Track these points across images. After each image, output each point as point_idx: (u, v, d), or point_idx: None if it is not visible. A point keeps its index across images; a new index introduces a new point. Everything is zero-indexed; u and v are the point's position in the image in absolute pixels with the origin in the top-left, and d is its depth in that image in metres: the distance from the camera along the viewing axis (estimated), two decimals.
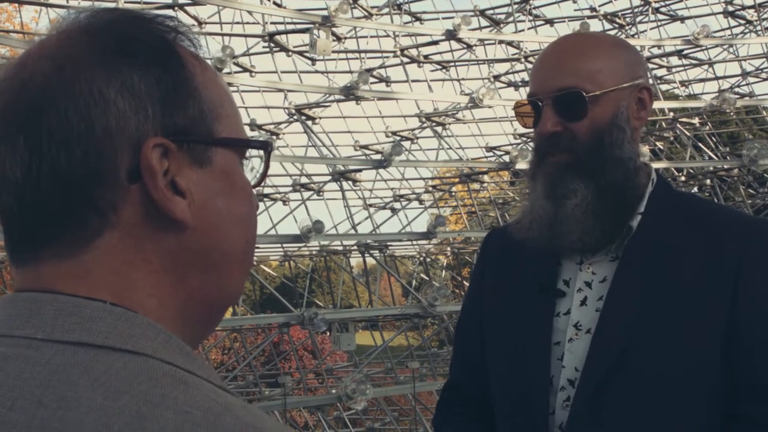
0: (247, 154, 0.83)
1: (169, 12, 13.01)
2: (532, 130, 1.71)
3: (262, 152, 0.84)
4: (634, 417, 1.57)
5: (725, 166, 15.64)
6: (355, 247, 14.80)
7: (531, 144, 14.88)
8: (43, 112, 0.72)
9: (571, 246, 1.65)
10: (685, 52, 16.63)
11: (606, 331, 1.60)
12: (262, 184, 0.86)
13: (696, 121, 16.41)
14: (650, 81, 1.74)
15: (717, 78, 17.38)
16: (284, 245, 15.71)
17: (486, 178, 15.26)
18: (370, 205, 15.24)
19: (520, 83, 17.14)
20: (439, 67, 16.37)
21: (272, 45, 13.82)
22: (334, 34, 13.21)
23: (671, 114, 15.88)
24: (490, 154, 16.72)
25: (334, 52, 13.71)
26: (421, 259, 18.43)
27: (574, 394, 1.60)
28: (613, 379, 1.58)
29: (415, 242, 16.38)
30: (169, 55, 0.77)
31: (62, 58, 0.74)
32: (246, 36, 14.78)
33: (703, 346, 1.57)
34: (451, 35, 14.09)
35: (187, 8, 13.50)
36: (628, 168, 1.65)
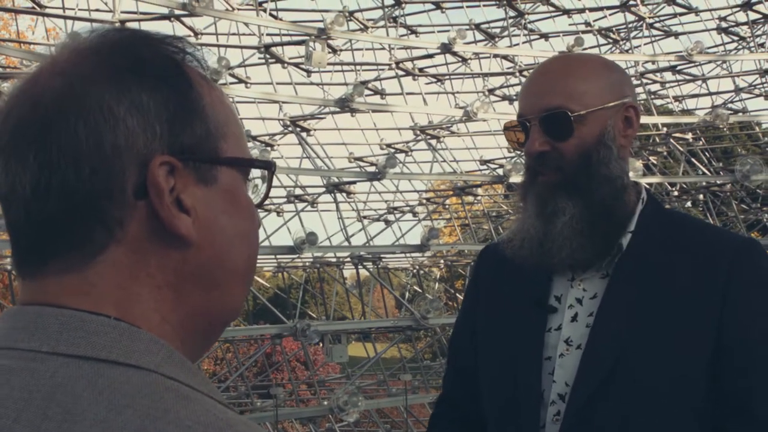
0: (251, 174, 0.84)
1: (166, 23, 13.05)
2: (521, 151, 1.74)
3: (265, 172, 0.86)
4: (625, 431, 1.59)
5: (718, 182, 15.69)
6: (349, 259, 14.79)
7: (524, 161, 14.85)
8: (54, 128, 0.74)
9: (561, 263, 1.67)
10: (679, 67, 16.72)
11: (596, 346, 1.62)
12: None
13: (689, 136, 16.47)
14: (641, 98, 1.79)
15: (710, 93, 17.47)
16: (278, 256, 15.71)
17: (480, 191, 15.30)
18: (364, 217, 15.26)
19: (514, 97, 17.18)
20: (434, 80, 16.42)
21: (268, 56, 13.84)
22: (329, 46, 13.24)
23: (665, 129, 15.93)
24: (484, 167, 16.76)
25: (329, 64, 13.74)
26: (415, 271, 18.44)
27: (565, 408, 1.62)
28: (603, 394, 1.59)
29: (408, 254, 16.38)
30: (178, 75, 0.79)
31: (73, 75, 0.76)
32: (242, 47, 14.82)
33: (693, 362, 1.58)
34: (446, 48, 14.13)
35: (184, 19, 13.52)
36: (616, 186, 1.67)
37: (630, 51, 16.14)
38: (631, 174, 1.77)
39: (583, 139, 1.65)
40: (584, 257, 1.65)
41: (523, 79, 14.26)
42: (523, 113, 1.70)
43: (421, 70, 15.83)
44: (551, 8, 16.68)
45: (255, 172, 0.85)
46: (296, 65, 14.34)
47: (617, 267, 1.66)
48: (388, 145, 16.01)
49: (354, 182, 13.85)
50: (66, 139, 0.73)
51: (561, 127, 1.65)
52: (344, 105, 12.79)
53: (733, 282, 1.60)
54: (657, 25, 17.22)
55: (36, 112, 0.75)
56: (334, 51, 14.24)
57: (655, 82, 17.09)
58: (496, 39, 16.25)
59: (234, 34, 14.84)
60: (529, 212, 1.70)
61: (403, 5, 15.94)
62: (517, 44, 15.74)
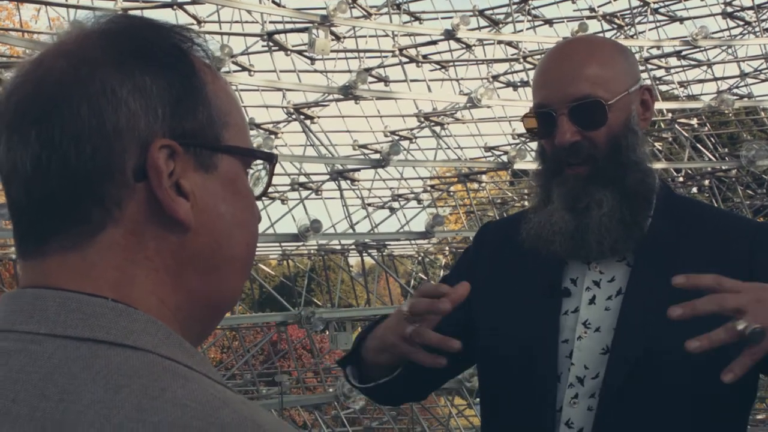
0: (252, 165, 0.85)
1: (168, 11, 13.03)
2: (543, 140, 1.70)
3: (267, 164, 0.86)
4: (660, 412, 1.58)
5: (724, 167, 15.67)
6: (354, 247, 14.81)
7: (531, 146, 14.87)
8: (57, 107, 0.75)
9: (602, 256, 1.65)
10: (684, 53, 16.65)
11: (626, 334, 1.60)
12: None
13: (695, 121, 16.44)
14: (648, 81, 1.81)
15: (716, 79, 17.41)
16: (282, 244, 15.72)
17: (484, 177, 15.28)
18: (369, 205, 15.25)
19: (518, 83, 17.15)
20: (438, 66, 16.37)
21: (271, 44, 13.83)
22: (333, 33, 13.21)
23: (670, 115, 15.90)
24: (489, 153, 16.73)
25: (332, 51, 13.72)
26: (420, 258, 18.44)
27: (599, 395, 1.61)
28: (635, 381, 1.58)
29: (413, 242, 16.39)
30: (183, 62, 0.80)
31: (79, 57, 0.76)
32: (245, 35, 14.79)
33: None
34: (449, 35, 14.11)
35: (186, 7, 13.50)
36: (642, 170, 1.67)
37: (635, 36, 16.08)
38: None
39: (613, 127, 1.64)
40: (625, 249, 1.64)
41: (528, 66, 14.15)
42: (546, 102, 1.66)
43: (424, 56, 15.79)
44: None
45: (257, 164, 0.86)
46: (299, 53, 14.32)
47: (638, 253, 1.65)
48: (392, 133, 15.99)
49: (358, 169, 13.85)
50: (69, 119, 0.74)
51: (594, 116, 1.63)
52: (348, 92, 12.78)
53: (754, 259, 1.62)
54: (662, 10, 17.16)
55: (40, 91, 0.76)
56: (337, 38, 14.20)
57: (660, 67, 17.03)
58: (500, 25, 16.20)
59: (237, 21, 14.81)
60: (555, 205, 1.67)
61: None
62: (521, 30, 15.68)
